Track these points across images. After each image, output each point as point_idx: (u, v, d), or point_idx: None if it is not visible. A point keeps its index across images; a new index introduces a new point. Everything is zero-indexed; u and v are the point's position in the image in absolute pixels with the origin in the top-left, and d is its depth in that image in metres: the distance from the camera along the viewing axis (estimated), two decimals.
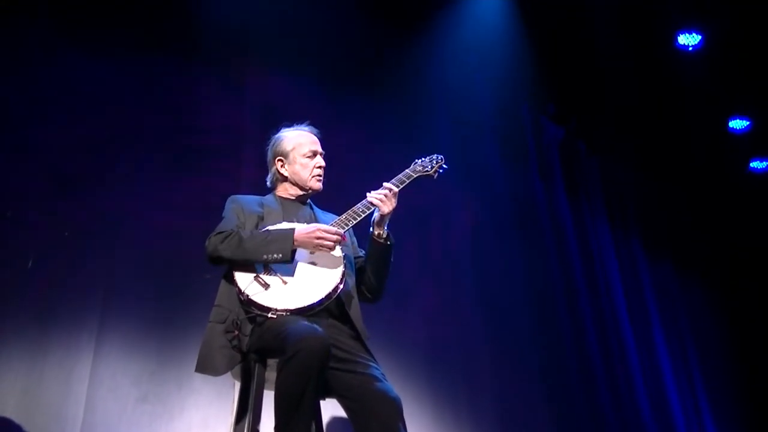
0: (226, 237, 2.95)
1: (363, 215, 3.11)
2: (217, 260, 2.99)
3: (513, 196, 6.45)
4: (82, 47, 4.95)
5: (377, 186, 3.21)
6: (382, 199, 3.11)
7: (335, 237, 2.93)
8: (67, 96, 4.82)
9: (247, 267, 2.91)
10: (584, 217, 6.85)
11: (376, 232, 3.18)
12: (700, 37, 7.00)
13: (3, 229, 4.35)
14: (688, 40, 7.04)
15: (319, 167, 3.32)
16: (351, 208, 3.14)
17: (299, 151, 3.32)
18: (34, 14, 4.92)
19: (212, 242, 2.98)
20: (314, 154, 3.33)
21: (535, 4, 6.80)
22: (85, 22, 5.02)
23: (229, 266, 2.98)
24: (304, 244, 2.91)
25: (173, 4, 5.41)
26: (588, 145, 7.29)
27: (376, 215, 3.15)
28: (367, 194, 3.15)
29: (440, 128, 6.27)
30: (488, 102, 6.67)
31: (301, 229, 2.94)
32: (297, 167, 3.31)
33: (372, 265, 3.23)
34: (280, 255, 2.85)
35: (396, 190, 3.16)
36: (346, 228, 3.06)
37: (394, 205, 3.14)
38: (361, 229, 3.28)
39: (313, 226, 2.97)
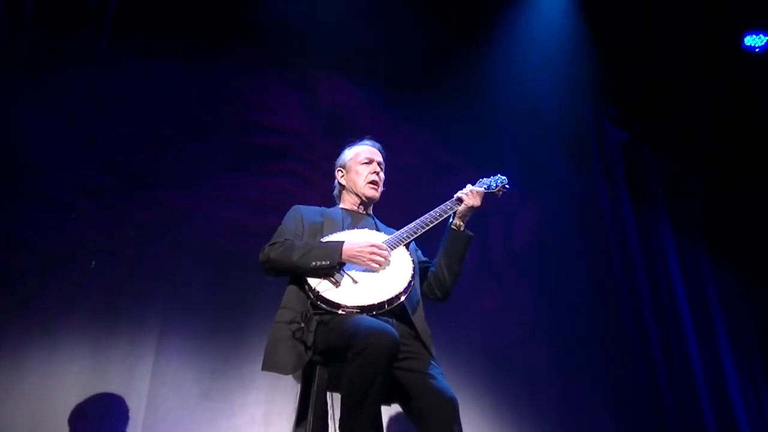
0: (277, 246, 2.99)
1: (431, 225, 3.14)
2: (270, 270, 3.02)
3: (576, 198, 6.38)
4: (148, 47, 5.05)
5: (442, 188, 3.28)
6: (467, 193, 3.23)
7: (385, 258, 2.94)
8: (133, 94, 4.90)
9: None
10: (647, 221, 6.72)
11: (456, 223, 3.23)
12: (767, 38, 6.83)
13: (70, 226, 4.42)
14: (754, 41, 6.90)
15: (374, 173, 3.36)
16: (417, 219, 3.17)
17: (356, 159, 3.40)
18: (101, 15, 5.01)
19: (265, 252, 3.02)
20: (370, 161, 3.38)
21: (598, 4, 6.70)
22: (151, 23, 5.12)
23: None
24: (355, 258, 2.91)
25: (240, 4, 5.49)
26: (652, 149, 7.15)
27: (461, 207, 3.21)
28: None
29: (503, 129, 6.25)
30: (551, 103, 6.60)
31: (352, 242, 2.94)
32: (353, 174, 3.39)
33: (446, 259, 3.24)
34: (327, 262, 2.87)
35: (479, 189, 3.28)
36: (414, 237, 3.10)
37: (478, 203, 3.23)
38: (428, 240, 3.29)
39: (367, 241, 2.96)
